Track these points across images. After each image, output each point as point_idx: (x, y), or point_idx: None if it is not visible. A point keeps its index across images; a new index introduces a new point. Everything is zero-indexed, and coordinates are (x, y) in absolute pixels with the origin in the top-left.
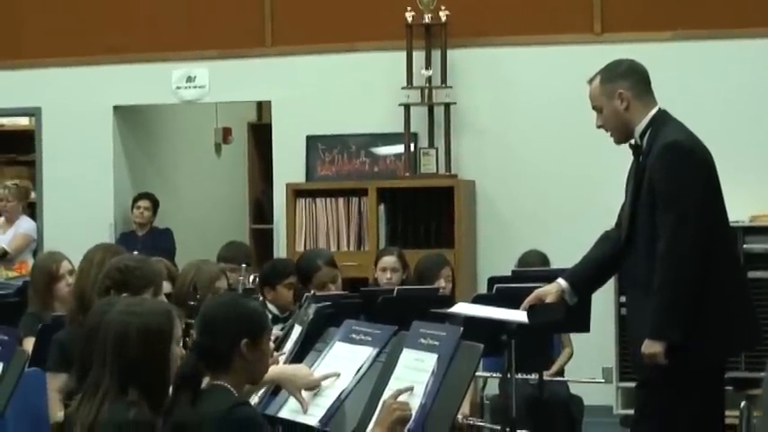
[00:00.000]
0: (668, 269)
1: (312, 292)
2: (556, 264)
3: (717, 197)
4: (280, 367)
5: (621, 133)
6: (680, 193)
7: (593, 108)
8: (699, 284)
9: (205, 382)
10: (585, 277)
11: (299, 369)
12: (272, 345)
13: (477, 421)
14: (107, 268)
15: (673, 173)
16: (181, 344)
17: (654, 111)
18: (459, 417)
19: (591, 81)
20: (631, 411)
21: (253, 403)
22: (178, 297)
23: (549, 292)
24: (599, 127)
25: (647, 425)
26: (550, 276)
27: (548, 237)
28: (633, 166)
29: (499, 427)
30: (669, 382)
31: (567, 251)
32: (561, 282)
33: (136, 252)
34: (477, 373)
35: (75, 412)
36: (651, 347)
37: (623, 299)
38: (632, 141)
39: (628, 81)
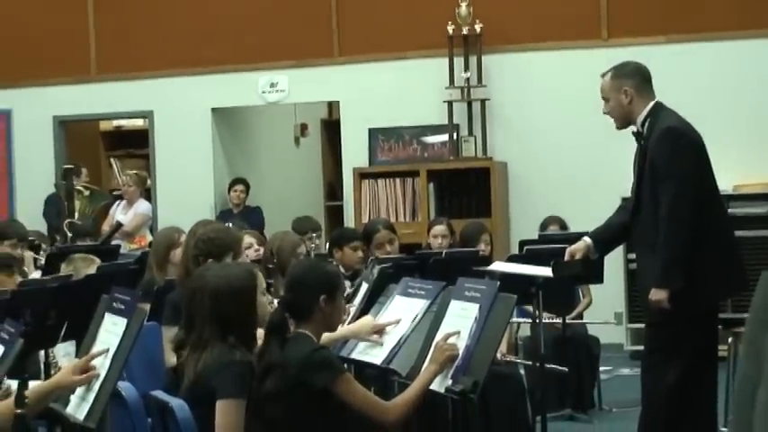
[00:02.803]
0: (670, 229)
1: (376, 255)
2: (573, 228)
3: (707, 169)
4: (348, 327)
5: (623, 121)
6: (677, 167)
7: (603, 98)
8: (695, 241)
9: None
10: (606, 238)
11: (364, 320)
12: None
13: (514, 358)
14: (194, 241)
15: (670, 151)
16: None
17: (652, 103)
18: (498, 355)
19: (603, 75)
20: (639, 348)
21: None
22: (265, 262)
23: (579, 249)
24: (605, 113)
25: (655, 357)
26: (569, 239)
27: (566, 207)
28: (637, 150)
29: (531, 363)
30: (673, 322)
31: (582, 218)
32: (587, 240)
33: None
34: (512, 320)
35: (186, 363)
36: (657, 294)
37: (631, 256)
38: (634, 129)
39: (632, 80)
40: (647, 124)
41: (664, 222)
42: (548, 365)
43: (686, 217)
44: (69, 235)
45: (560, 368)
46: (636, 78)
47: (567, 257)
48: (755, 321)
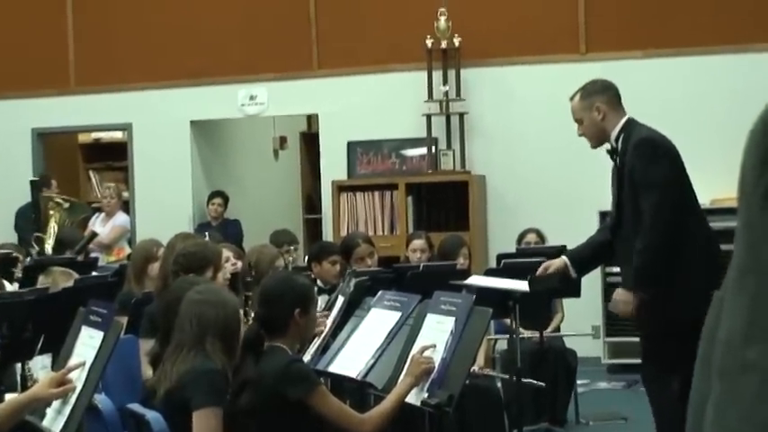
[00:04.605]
0: (647, 235)
1: (353, 268)
2: (551, 241)
3: (684, 178)
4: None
5: (599, 139)
6: (655, 175)
7: (576, 120)
8: (674, 248)
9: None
10: (585, 256)
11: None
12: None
13: (491, 371)
14: (174, 256)
15: (647, 161)
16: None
17: (624, 119)
18: (476, 368)
19: (572, 98)
20: (616, 361)
21: (305, 360)
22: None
23: (554, 263)
24: (580, 135)
25: (650, 368)
26: (546, 252)
27: (544, 220)
28: (613, 167)
29: (507, 376)
30: (662, 335)
31: (560, 232)
32: (564, 258)
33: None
34: (489, 336)
35: (162, 372)
36: (623, 295)
37: (609, 269)
38: (608, 146)
39: (603, 96)
40: (621, 139)
41: (646, 230)
42: (524, 380)
43: (666, 223)
44: (36, 249)
45: (537, 383)
46: (606, 94)
47: (540, 271)
48: (706, 340)
